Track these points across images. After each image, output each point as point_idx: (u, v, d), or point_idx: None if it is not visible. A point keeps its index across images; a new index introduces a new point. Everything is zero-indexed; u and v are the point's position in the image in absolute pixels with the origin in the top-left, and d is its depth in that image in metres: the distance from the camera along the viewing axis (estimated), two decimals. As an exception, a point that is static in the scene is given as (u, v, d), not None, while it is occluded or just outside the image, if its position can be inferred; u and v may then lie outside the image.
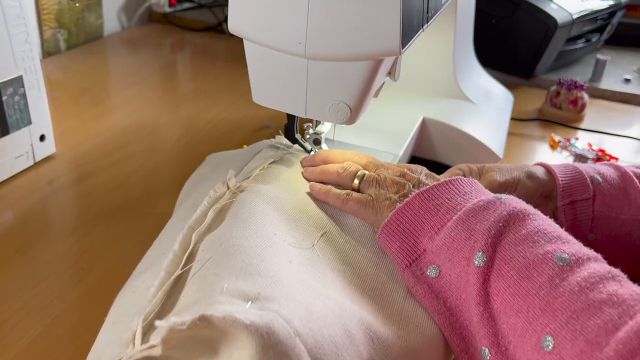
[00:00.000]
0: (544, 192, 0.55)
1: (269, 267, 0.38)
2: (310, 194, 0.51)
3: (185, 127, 0.87)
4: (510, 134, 0.90)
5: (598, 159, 0.84)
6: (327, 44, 0.43)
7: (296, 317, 0.34)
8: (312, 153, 0.58)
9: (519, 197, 0.54)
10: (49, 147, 0.74)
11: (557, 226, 0.41)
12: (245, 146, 0.64)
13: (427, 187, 0.46)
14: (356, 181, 0.50)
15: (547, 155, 0.86)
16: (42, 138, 0.72)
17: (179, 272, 0.40)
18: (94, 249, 0.59)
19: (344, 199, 0.49)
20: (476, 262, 0.39)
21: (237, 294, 0.35)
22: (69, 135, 0.81)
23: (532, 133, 0.93)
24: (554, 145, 0.89)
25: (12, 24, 0.64)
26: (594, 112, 1.03)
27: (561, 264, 0.37)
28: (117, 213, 0.65)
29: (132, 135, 0.83)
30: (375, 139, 0.61)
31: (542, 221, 0.41)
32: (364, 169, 0.52)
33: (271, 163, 0.54)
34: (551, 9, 1.08)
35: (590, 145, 0.88)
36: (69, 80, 1.02)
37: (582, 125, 0.97)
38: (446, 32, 0.76)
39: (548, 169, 0.57)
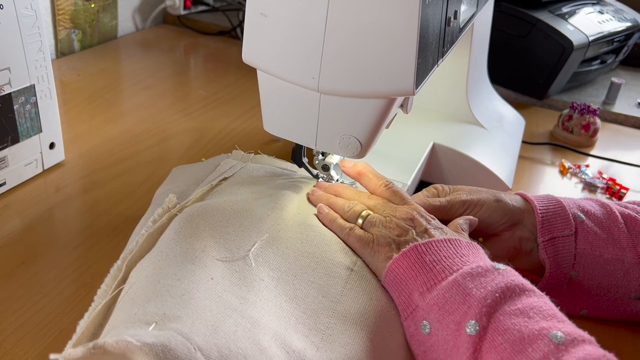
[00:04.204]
0: (512, 218, 0.55)
1: (183, 287, 0.40)
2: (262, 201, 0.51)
3: (195, 137, 0.87)
4: (520, 157, 0.89)
5: (608, 188, 0.83)
6: (340, 80, 0.43)
7: (198, 333, 0.35)
8: (319, 179, 0.58)
9: (482, 217, 0.54)
10: (58, 155, 0.74)
11: (552, 305, 0.40)
12: (203, 159, 0.65)
13: (426, 240, 0.46)
14: (359, 221, 0.51)
15: (556, 181, 0.85)
16: (51, 146, 0.72)
17: (105, 301, 0.42)
18: (98, 263, 0.59)
19: (347, 233, 0.50)
20: (468, 330, 0.39)
21: (143, 318, 0.36)
22: (78, 142, 0.81)
23: (543, 157, 0.92)
24: (563, 172, 0.88)
25: (26, 33, 0.65)
26: (606, 137, 1.02)
27: (556, 342, 0.36)
28: (123, 226, 0.65)
29: (141, 144, 0.83)
30: (385, 165, 0.61)
31: (538, 298, 0.41)
32: (372, 209, 0.52)
33: (222, 180, 0.54)
34: (567, 31, 1.07)
35: (600, 173, 0.87)
36: (81, 83, 1.02)
37: (594, 151, 0.97)
38: (461, 56, 0.76)
39: (527, 199, 0.56)
